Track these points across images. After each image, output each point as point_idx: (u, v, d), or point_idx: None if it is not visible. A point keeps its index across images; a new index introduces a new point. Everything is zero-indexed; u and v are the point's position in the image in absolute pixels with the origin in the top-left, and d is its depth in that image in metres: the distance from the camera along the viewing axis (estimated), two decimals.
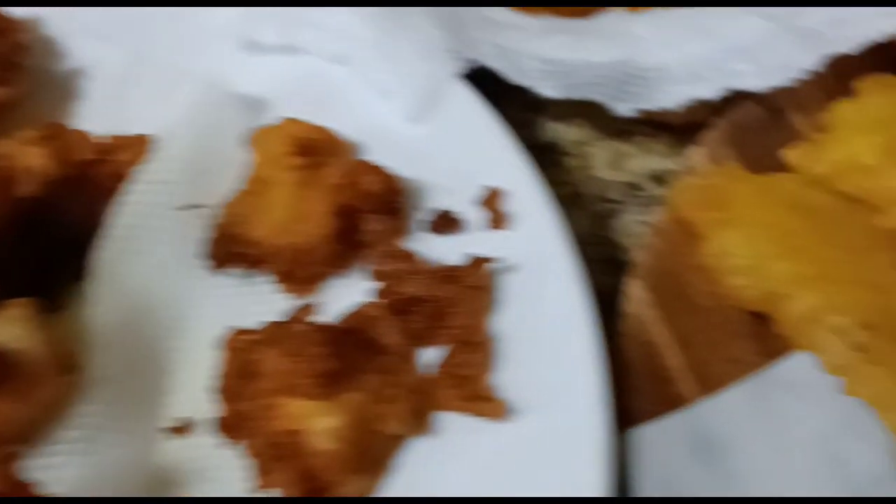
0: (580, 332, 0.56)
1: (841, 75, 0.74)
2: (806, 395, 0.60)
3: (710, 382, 0.62)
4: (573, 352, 0.56)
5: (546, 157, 0.79)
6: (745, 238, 0.61)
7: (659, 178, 0.77)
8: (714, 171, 0.66)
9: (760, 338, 0.63)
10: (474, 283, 0.57)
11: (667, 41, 0.75)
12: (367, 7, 0.73)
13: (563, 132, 0.81)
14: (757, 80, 0.70)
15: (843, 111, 0.70)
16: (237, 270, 0.65)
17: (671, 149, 0.78)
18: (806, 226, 0.61)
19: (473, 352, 0.55)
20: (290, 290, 0.62)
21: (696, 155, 0.71)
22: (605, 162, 0.79)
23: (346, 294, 0.62)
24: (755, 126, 0.73)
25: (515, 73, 0.71)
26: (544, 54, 0.73)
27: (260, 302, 0.63)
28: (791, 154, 0.69)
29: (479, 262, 0.58)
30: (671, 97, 0.71)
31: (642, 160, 0.79)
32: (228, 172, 0.67)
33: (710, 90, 0.71)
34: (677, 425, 0.59)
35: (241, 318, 0.61)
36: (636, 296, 0.63)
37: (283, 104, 0.71)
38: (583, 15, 0.83)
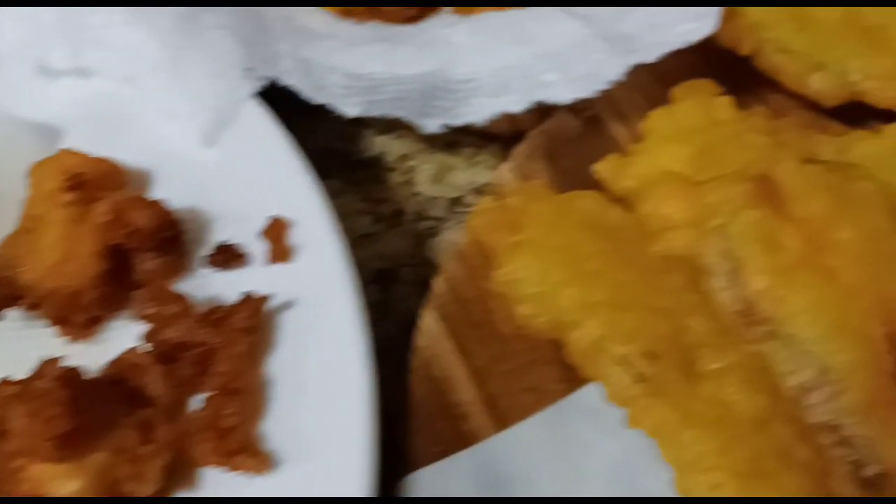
0: (353, 374, 0.53)
1: (663, 81, 0.72)
2: (602, 424, 0.58)
3: (506, 415, 0.59)
4: (344, 396, 0.53)
5: (369, 173, 0.76)
6: (536, 263, 0.58)
7: (483, 193, 0.73)
8: (515, 189, 0.63)
9: (563, 364, 0.60)
10: (243, 325, 0.54)
11: (482, 48, 0.71)
12: (162, 23, 0.68)
13: (389, 145, 0.78)
14: (565, 90, 0.67)
15: (655, 120, 0.67)
16: (17, 314, 0.61)
17: (498, 161, 0.75)
18: (601, 248, 0.58)
19: (237, 400, 0.52)
20: (66, 335, 0.59)
21: (505, 171, 0.68)
22: (429, 176, 0.76)
23: (127, 338, 0.58)
24: (570, 137, 0.70)
25: (315, 90, 0.68)
26: (350, 68, 0.70)
27: (41, 347, 0.60)
28: (600, 168, 0.67)
29: (250, 301, 0.55)
30: (478, 111, 0.68)
31: (467, 173, 0.76)
32: (12, 209, 0.63)
33: (517, 103, 0.68)
34: (465, 463, 0.57)
35: (22, 366, 0.57)
36: (429, 327, 0.61)
37: (75, 131, 0.67)
38: (413, 20, 0.80)
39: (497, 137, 0.76)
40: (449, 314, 0.60)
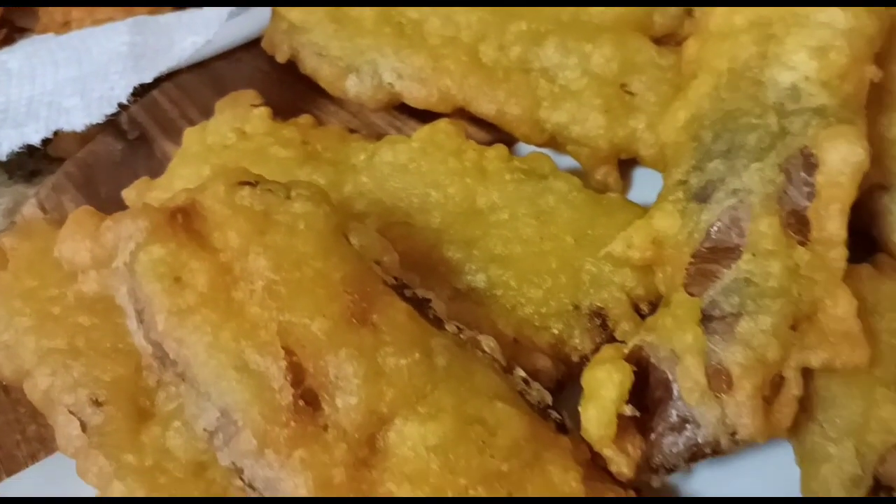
0: None
1: (223, 92, 0.68)
2: None
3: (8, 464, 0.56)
4: None
5: None
6: (3, 310, 0.55)
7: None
8: (9, 227, 0.60)
9: None
10: None
11: (31, 74, 0.68)
12: None
13: None
14: (81, 116, 0.63)
15: (188, 137, 0.64)
16: None
17: None
18: (71, 293, 0.55)
19: None
20: None
21: (30, 205, 0.64)
22: (4, 211, 0.72)
23: None
24: (113, 162, 0.67)
25: None
26: None
27: None
28: (127, 194, 0.63)
29: None
30: (2, 144, 0.64)
31: None
32: None
33: (38, 132, 0.64)
34: None
35: None
36: None
37: None
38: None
39: None
40: None
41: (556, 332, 0.56)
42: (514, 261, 0.57)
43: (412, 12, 0.64)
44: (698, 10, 0.63)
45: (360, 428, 0.47)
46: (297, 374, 0.47)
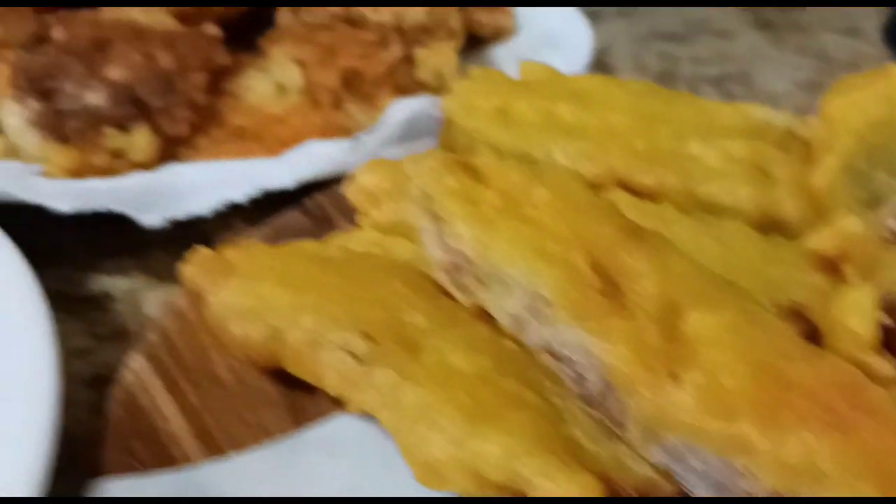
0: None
1: None
2: (339, 452, 0.53)
3: (222, 446, 0.53)
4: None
5: (95, 303, 0.73)
6: (248, 282, 0.56)
7: None
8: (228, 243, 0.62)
9: (287, 404, 0.56)
10: None
11: None
12: None
13: (115, 283, 0.75)
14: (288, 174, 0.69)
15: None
16: None
17: None
18: (313, 265, 0.57)
19: None
20: None
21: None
22: (158, 302, 0.73)
23: None
24: (300, 229, 0.70)
25: (22, 190, 0.67)
26: None
27: None
28: None
29: None
30: (202, 203, 0.68)
31: None
32: None
33: (240, 193, 0.68)
34: (170, 483, 0.50)
35: None
36: (137, 366, 0.56)
37: None
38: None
39: None
40: (158, 356, 0.56)
41: None
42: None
43: (567, 113, 0.75)
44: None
45: (661, 312, 0.49)
46: (596, 263, 0.50)
